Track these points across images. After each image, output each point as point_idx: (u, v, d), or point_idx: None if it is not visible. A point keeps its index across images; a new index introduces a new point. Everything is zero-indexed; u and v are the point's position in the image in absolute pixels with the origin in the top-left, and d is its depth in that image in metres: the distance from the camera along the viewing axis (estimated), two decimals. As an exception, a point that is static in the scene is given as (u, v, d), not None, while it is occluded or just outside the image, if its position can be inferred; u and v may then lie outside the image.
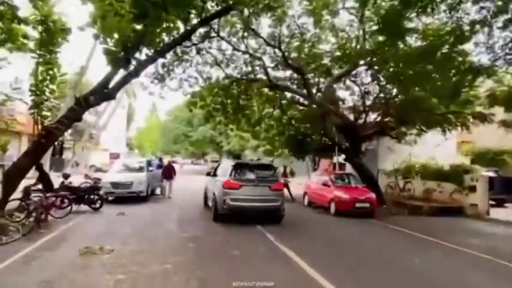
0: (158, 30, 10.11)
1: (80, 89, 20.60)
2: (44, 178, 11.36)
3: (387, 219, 13.04)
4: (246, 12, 13.52)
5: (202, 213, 13.11)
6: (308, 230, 10.79)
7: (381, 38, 12.43)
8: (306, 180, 18.54)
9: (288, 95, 19.10)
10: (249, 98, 18.30)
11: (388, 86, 16.41)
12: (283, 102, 19.12)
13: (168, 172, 17.71)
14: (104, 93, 10.23)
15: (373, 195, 13.87)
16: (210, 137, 44.61)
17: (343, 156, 19.24)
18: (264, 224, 10.84)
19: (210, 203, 12.74)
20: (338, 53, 16.11)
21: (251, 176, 11.35)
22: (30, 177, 11.09)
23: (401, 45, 12.15)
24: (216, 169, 13.80)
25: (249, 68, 17.33)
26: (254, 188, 10.99)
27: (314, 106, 17.53)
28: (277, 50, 16.00)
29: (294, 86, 18.04)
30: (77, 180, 13.41)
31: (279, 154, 26.90)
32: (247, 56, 16.65)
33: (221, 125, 20.88)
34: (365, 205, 13.45)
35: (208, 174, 14.51)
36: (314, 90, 17.69)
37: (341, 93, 19.30)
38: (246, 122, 19.06)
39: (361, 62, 15.83)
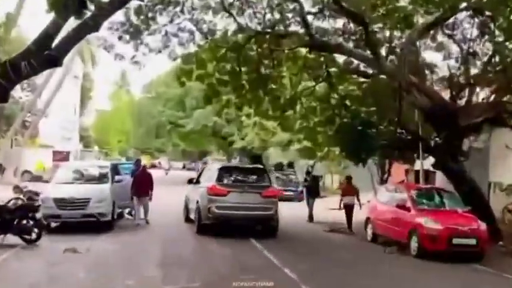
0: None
1: (6, 49, 21.01)
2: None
3: (503, 265, 12.87)
4: None
5: (197, 247, 13.46)
6: (373, 283, 10.65)
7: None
8: (370, 199, 18.46)
9: (341, 59, 19.02)
10: (276, 64, 18.30)
11: (507, 43, 16.04)
12: (332, 70, 19.03)
13: (142, 184, 17.30)
14: (44, 56, 10.26)
15: (482, 226, 13.69)
16: (213, 126, 44.74)
17: (431, 159, 18.95)
18: (297, 269, 10.77)
19: (192, 216, 16.29)
20: (424, -10, 15.86)
21: (240, 181, 15.50)
22: None
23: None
24: (199, 176, 17.87)
25: (277, 16, 17.31)
26: (243, 194, 14.82)
27: (383, 77, 17.29)
28: (323, -15, 15.86)
29: (350, 45, 17.92)
30: (2, 194, 13.60)
31: (324, 155, 26.72)
32: (273, -5, 16.60)
33: (231, 107, 20.94)
34: (469, 241, 13.33)
35: (190, 181, 18.38)
36: (383, 52, 17.48)
37: (429, 55, 19.17)
38: (271, 102, 19.13)
39: (463, 5, 15.51)
